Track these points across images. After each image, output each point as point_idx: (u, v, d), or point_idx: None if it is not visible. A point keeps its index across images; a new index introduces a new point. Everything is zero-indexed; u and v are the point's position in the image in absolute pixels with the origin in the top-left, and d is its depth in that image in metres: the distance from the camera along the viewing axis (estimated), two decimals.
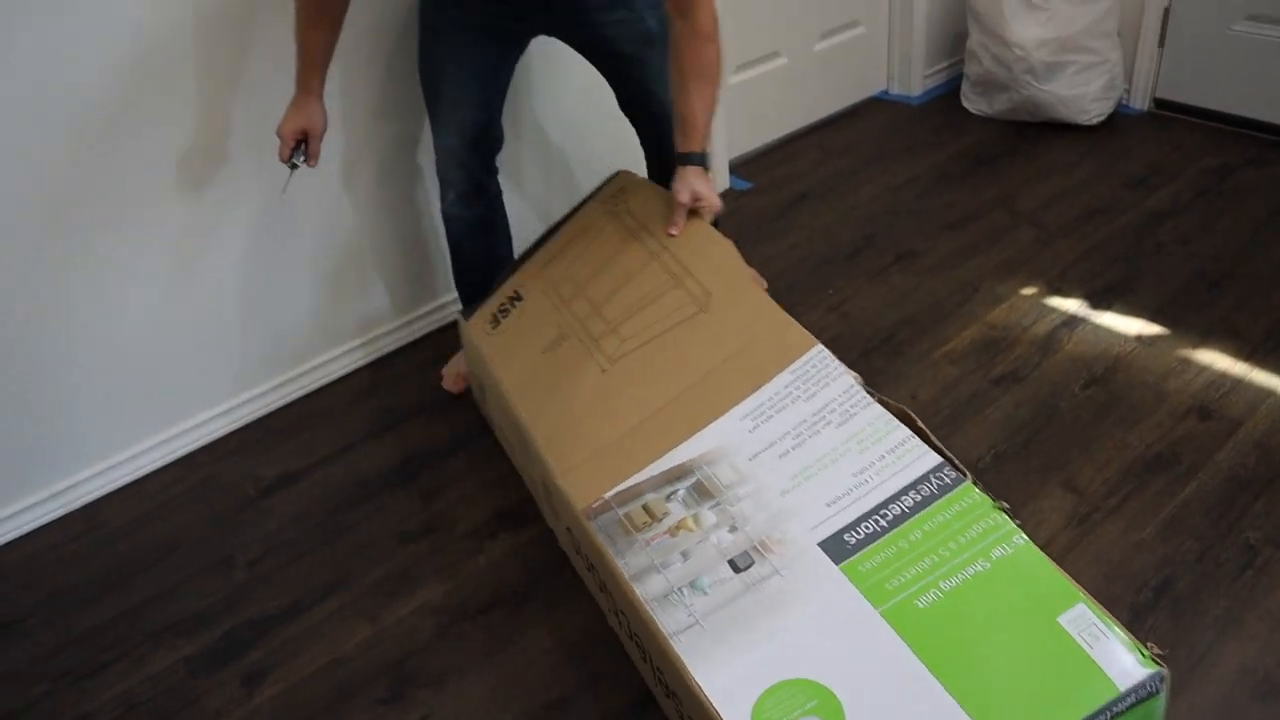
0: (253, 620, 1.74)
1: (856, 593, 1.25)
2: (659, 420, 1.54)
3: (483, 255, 2.11)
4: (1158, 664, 1.12)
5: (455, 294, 2.41)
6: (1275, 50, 2.79)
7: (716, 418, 1.51)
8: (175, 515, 2.00)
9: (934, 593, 1.24)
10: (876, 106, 3.36)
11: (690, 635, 1.26)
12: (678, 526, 1.39)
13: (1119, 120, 3.05)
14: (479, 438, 2.08)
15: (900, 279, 2.40)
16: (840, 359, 1.53)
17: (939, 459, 1.37)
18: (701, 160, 1.77)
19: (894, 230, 2.61)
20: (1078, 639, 1.16)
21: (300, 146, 1.83)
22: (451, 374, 2.24)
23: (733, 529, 1.37)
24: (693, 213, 1.80)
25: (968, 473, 1.35)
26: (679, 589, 1.32)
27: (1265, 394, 1.94)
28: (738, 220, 2.70)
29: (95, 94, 1.77)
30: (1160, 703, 1.15)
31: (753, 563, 1.32)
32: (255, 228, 2.06)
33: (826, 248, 2.57)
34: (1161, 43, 3.01)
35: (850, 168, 2.96)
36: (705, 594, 1.30)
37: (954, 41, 3.35)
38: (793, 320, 1.60)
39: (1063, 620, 1.18)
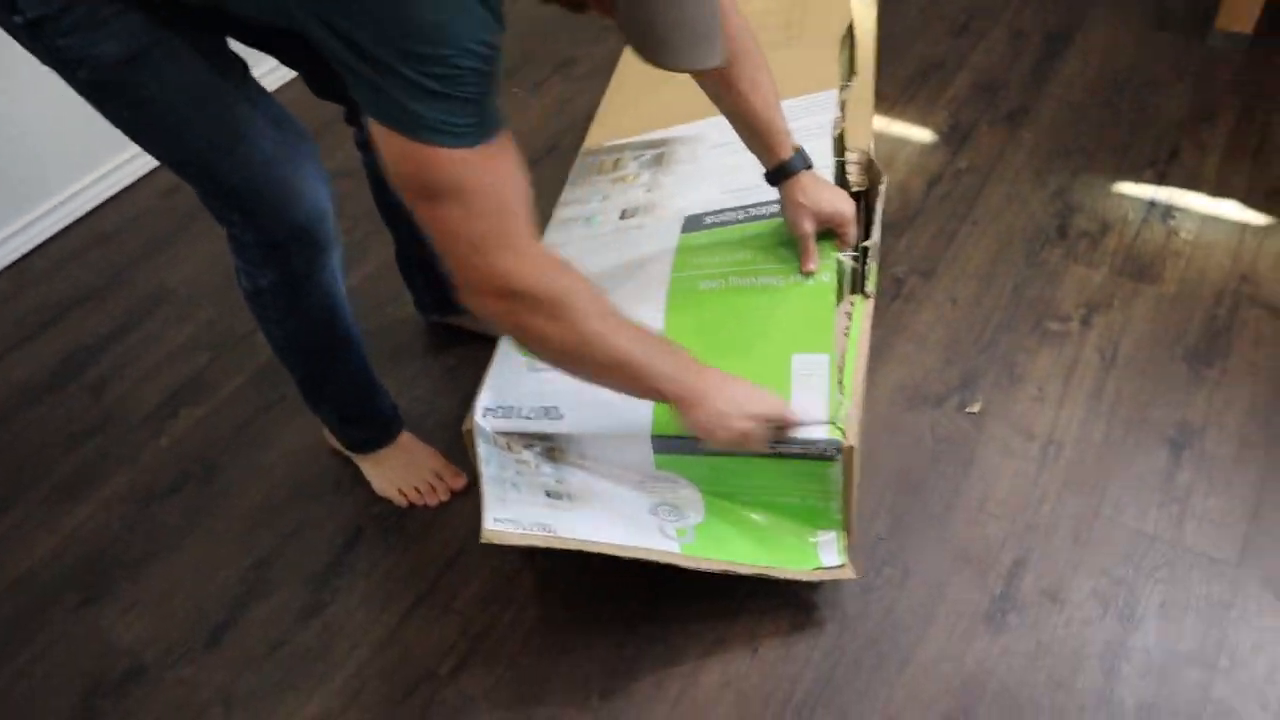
0: None
1: (671, 259, 1.39)
2: (685, 99, 1.65)
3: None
4: (842, 436, 1.16)
5: (99, 170, 2.21)
6: None
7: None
8: None
9: (720, 282, 1.32)
10: None
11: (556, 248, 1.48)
12: (622, 178, 1.60)
13: None
14: (147, 317, 1.93)
15: (561, 88, 2.38)
16: None
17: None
18: (806, 161, 1.33)
19: (549, 42, 2.57)
20: (795, 374, 1.19)
21: None
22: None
23: (648, 190, 1.54)
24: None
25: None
26: (582, 218, 1.54)
27: (903, 143, 2.08)
28: None
29: None
30: (835, 470, 1.20)
31: (634, 216, 1.50)
32: None
33: None
34: None
35: None
36: (590, 226, 1.52)
37: None
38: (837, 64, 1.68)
39: (797, 359, 1.21)
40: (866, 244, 1.36)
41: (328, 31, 0.88)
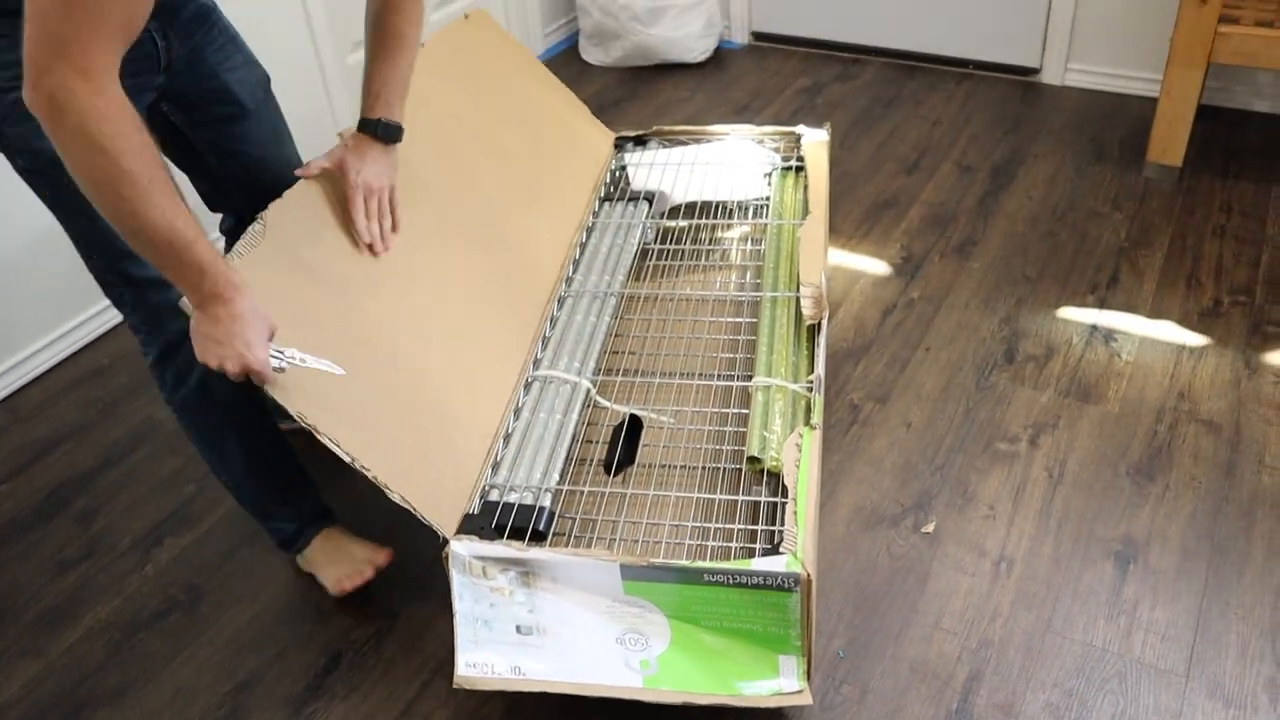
0: None
1: None
2: None
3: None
4: (800, 568, 1.23)
5: (92, 310, 2.30)
6: None
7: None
8: None
9: None
10: None
11: None
12: None
13: (723, 55, 3.30)
14: (135, 450, 2.00)
15: None
16: None
17: None
18: (381, 130, 1.46)
19: None
20: None
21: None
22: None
23: None
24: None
25: None
26: None
27: (858, 276, 2.19)
28: None
29: None
30: (794, 600, 1.26)
31: None
32: None
33: None
34: None
35: None
36: None
37: None
38: None
39: None
40: (811, 378, 1.45)
41: None
